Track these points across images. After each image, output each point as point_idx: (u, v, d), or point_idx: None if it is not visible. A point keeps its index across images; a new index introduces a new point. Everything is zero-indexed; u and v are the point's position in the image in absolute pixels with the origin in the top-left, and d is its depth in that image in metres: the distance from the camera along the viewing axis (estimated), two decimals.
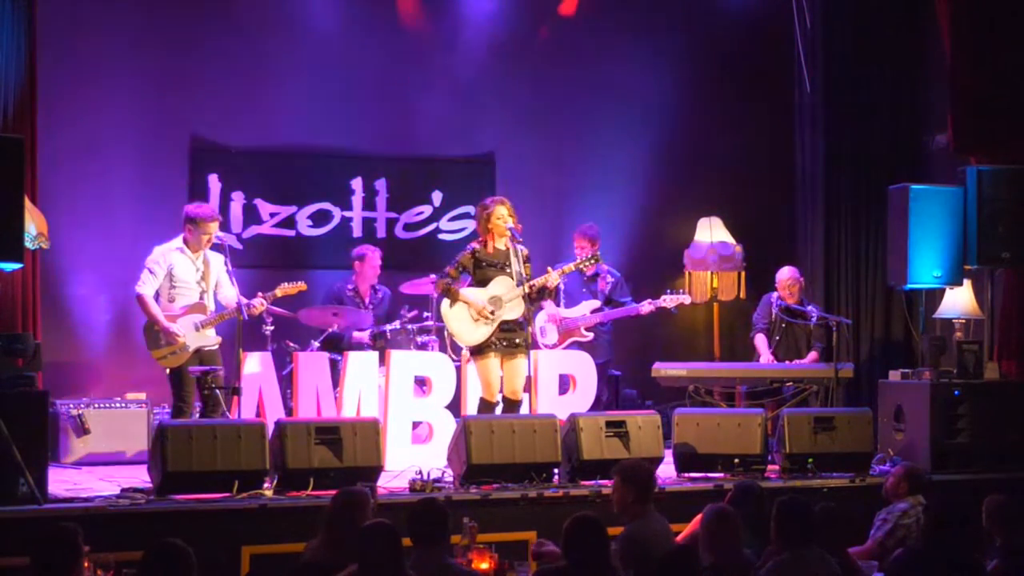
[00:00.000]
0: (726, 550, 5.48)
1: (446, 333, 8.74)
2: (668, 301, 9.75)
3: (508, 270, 8.33)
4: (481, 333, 8.27)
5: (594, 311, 9.79)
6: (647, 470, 6.34)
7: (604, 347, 9.88)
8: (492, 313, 8.23)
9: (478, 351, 8.33)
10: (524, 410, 8.34)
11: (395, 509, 6.72)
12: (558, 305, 9.77)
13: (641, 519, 6.13)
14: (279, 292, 8.71)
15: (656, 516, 6.19)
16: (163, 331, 8.39)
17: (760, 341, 10.12)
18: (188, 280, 8.53)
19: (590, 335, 9.72)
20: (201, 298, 8.55)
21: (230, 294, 8.60)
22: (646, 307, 9.77)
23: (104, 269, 9.99)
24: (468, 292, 8.33)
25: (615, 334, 10.22)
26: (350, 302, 9.78)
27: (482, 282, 8.36)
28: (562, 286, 9.61)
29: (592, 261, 8.91)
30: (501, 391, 8.34)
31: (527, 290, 8.28)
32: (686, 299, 9.87)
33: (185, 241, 8.52)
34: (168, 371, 8.53)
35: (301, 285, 8.83)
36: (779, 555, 5.44)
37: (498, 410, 8.38)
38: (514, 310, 8.28)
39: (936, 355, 9.06)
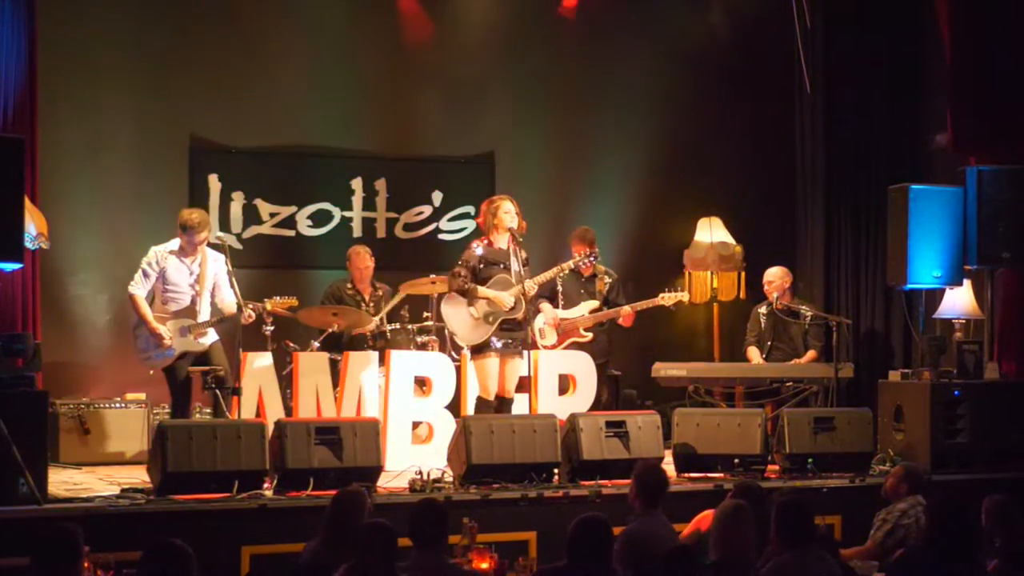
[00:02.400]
0: (737, 547, 5.47)
1: (447, 332, 8.75)
2: (666, 299, 9.72)
3: (509, 269, 8.35)
4: (481, 332, 8.30)
5: (593, 311, 9.77)
6: (658, 475, 6.34)
7: (602, 347, 9.87)
8: (512, 310, 8.25)
9: (478, 350, 8.36)
10: (523, 410, 8.35)
11: (395, 509, 6.72)
12: (556, 306, 9.76)
13: (643, 519, 6.15)
14: (269, 306, 8.70)
15: (660, 518, 6.20)
16: (150, 332, 8.42)
17: (752, 353, 10.12)
18: (180, 284, 8.56)
19: (589, 335, 9.71)
20: (193, 302, 8.57)
21: (228, 297, 8.61)
22: (627, 312, 9.74)
23: (104, 269, 9.99)
24: (489, 290, 8.33)
25: (614, 334, 10.21)
26: (350, 300, 9.78)
27: (483, 281, 8.37)
28: (560, 287, 9.61)
29: (589, 259, 8.94)
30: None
31: (534, 287, 8.30)
32: (683, 296, 9.84)
33: (180, 245, 8.55)
34: (152, 372, 8.57)
35: (292, 300, 8.82)
36: (779, 555, 5.44)
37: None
38: (515, 309, 8.31)
39: (936, 355, 9.06)
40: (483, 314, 8.33)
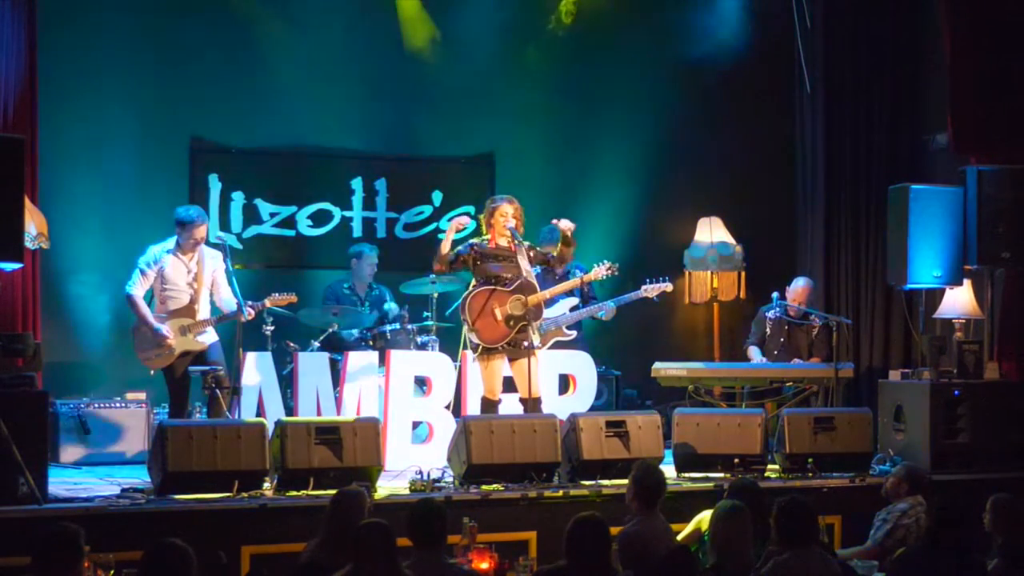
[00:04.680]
0: (735, 547, 5.47)
1: (464, 329, 8.55)
2: (649, 291, 9.65)
3: (515, 264, 8.32)
4: (499, 335, 8.20)
5: (572, 309, 9.70)
6: (657, 477, 6.34)
7: (580, 345, 9.73)
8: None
9: (485, 352, 8.29)
10: (522, 409, 8.30)
11: (395, 509, 6.72)
12: None
13: (641, 520, 6.15)
14: (268, 303, 8.66)
15: (658, 519, 6.21)
16: (151, 332, 8.42)
17: (753, 352, 10.09)
18: (178, 282, 8.55)
19: (573, 333, 9.65)
20: (192, 301, 8.56)
21: (227, 296, 8.60)
22: (610, 308, 9.69)
23: (104, 269, 9.99)
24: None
25: (616, 333, 10.19)
26: (347, 301, 9.76)
27: (485, 275, 8.33)
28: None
29: (608, 270, 8.75)
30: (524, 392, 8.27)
31: (545, 296, 8.31)
32: (667, 287, 9.73)
33: (177, 243, 8.54)
34: (153, 372, 8.57)
35: (292, 297, 8.80)
36: (779, 555, 5.44)
37: (501, 409, 8.38)
38: (516, 306, 8.27)
39: (936, 355, 9.05)
40: (505, 317, 8.28)
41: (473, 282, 8.43)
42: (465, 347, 8.81)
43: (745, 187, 11.57)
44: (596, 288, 9.99)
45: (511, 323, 8.24)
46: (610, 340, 10.57)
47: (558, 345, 9.47)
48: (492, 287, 8.29)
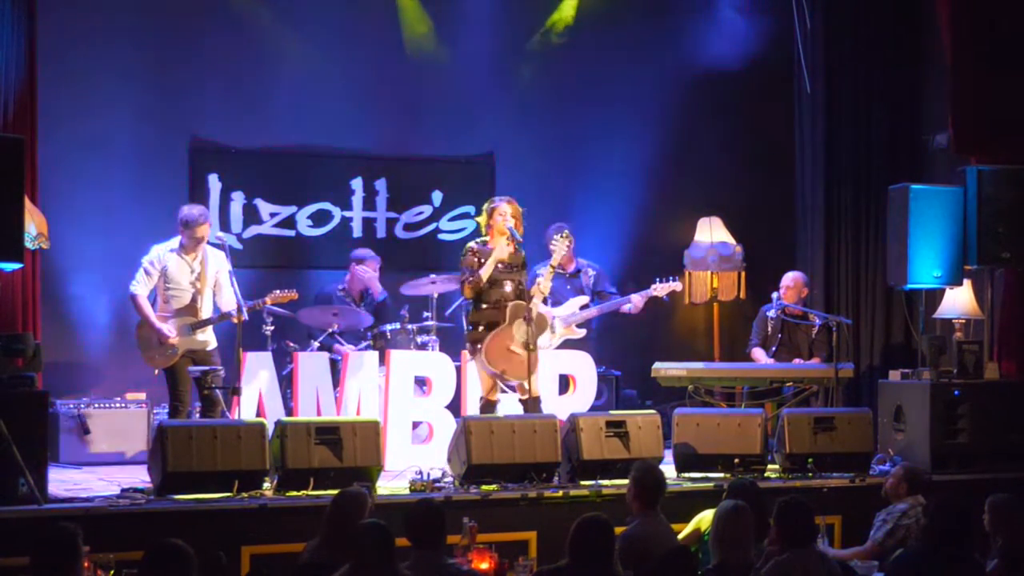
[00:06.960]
0: (736, 547, 5.47)
1: (501, 378, 8.30)
2: (659, 289, 9.66)
3: (512, 267, 8.31)
4: (524, 362, 8.13)
5: (583, 307, 9.69)
6: (656, 477, 6.35)
7: (591, 344, 9.74)
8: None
9: (478, 352, 8.29)
10: (521, 409, 8.30)
11: (395, 509, 6.72)
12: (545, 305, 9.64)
13: (642, 519, 6.16)
14: (269, 300, 8.66)
15: (659, 519, 6.21)
16: (155, 331, 8.42)
17: (757, 353, 10.08)
18: (181, 281, 8.54)
19: (582, 332, 9.64)
20: (194, 300, 8.56)
21: (229, 296, 8.60)
22: (637, 300, 9.70)
23: (104, 269, 9.98)
24: (489, 262, 8.26)
25: (615, 333, 10.17)
26: (339, 303, 9.74)
27: (486, 301, 8.31)
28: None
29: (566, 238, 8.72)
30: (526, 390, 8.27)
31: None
32: (677, 286, 9.75)
33: (180, 243, 8.55)
34: (157, 371, 8.57)
35: (292, 294, 8.79)
36: (779, 555, 5.45)
37: (500, 409, 8.38)
38: (521, 331, 8.24)
39: (936, 355, 9.05)
40: (522, 345, 8.18)
41: (472, 310, 8.40)
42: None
43: (745, 187, 11.57)
44: (609, 284, 10.01)
45: (530, 346, 8.18)
46: (610, 340, 10.56)
47: (567, 344, 9.48)
48: (495, 328, 8.21)
